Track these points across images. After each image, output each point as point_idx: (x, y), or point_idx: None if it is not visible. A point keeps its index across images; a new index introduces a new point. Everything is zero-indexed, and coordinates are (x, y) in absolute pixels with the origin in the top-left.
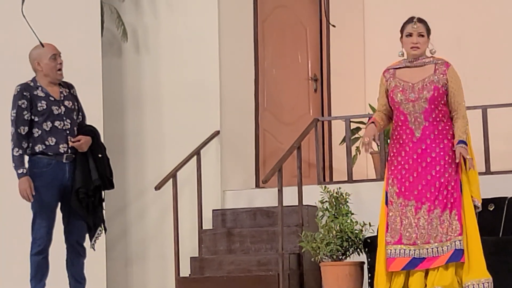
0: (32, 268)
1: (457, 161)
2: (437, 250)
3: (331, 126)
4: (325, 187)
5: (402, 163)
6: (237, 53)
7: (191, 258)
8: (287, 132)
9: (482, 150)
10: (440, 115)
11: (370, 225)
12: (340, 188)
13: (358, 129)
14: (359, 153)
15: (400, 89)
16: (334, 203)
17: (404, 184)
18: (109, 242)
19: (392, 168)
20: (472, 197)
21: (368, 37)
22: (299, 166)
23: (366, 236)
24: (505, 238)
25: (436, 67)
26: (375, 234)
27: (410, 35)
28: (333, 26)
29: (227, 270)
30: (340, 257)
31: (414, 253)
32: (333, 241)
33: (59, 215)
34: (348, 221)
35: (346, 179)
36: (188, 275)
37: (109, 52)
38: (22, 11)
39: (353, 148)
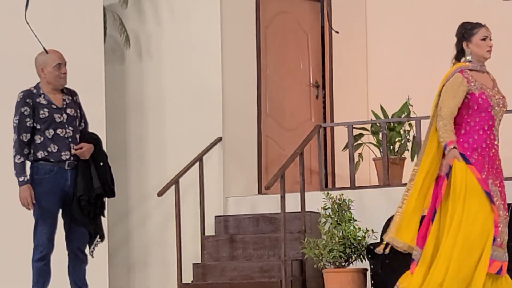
0: (34, 274)
1: None
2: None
3: (334, 132)
4: (328, 193)
5: (487, 166)
6: (240, 59)
7: (193, 264)
8: (289, 138)
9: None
10: None
11: (373, 232)
12: (342, 194)
13: (361, 135)
14: (362, 159)
15: (491, 93)
16: (337, 209)
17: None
18: (111, 248)
19: (485, 171)
20: None
21: (371, 43)
22: (301, 172)
23: (369, 243)
24: (510, 245)
25: (491, 77)
26: (378, 240)
27: (485, 38)
28: (337, 32)
29: (230, 277)
30: (343, 264)
31: (503, 257)
32: (336, 248)
33: (61, 221)
34: (351, 227)
35: (349, 186)
36: (190, 282)
37: (111, 58)
38: (25, 17)
39: (356, 154)
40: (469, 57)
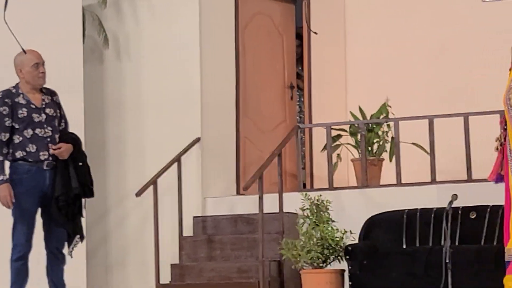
0: (12, 274)
1: None
2: None
3: (312, 133)
4: (306, 194)
5: None
6: (218, 60)
7: (171, 265)
8: (266, 140)
9: (463, 158)
10: None
11: (351, 233)
12: (321, 195)
13: (339, 136)
14: (340, 160)
15: None
16: (315, 210)
17: None
18: (89, 248)
19: None
20: None
21: (349, 44)
22: (280, 173)
23: (347, 244)
24: (487, 247)
25: None
26: (356, 241)
27: None
28: (315, 33)
29: (208, 277)
30: (321, 264)
31: None
32: (313, 249)
33: (39, 221)
34: (329, 228)
35: (327, 187)
36: (168, 282)
37: (90, 58)
38: (4, 17)
39: (334, 155)
40: None
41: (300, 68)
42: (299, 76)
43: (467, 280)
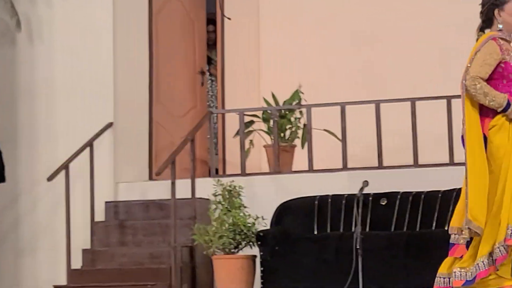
0: None
1: None
2: None
3: (225, 119)
4: (218, 180)
5: None
6: (132, 45)
7: (83, 250)
8: (178, 126)
9: (375, 145)
10: None
11: (263, 219)
12: (233, 181)
13: (252, 122)
14: (253, 146)
15: None
16: (227, 196)
17: None
18: (0, 233)
19: None
20: None
21: (263, 30)
22: (192, 159)
23: (258, 230)
24: (398, 233)
25: None
26: (268, 227)
27: None
28: (229, 18)
29: (119, 263)
30: (233, 250)
31: None
32: (225, 234)
33: None
34: (241, 214)
35: (240, 172)
36: (79, 267)
37: (1, 42)
38: None
39: (247, 141)
40: (500, 26)
41: (214, 53)
42: (212, 61)
43: (378, 266)
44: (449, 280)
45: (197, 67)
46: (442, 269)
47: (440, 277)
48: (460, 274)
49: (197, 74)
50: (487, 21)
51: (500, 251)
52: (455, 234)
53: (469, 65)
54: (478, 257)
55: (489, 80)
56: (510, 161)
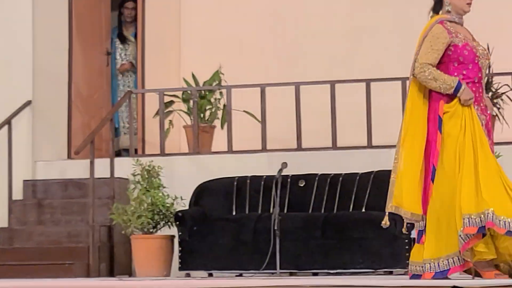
0: None
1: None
2: None
3: (145, 99)
4: (138, 160)
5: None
6: (52, 22)
7: (0, 229)
8: (89, 105)
9: (294, 126)
10: None
11: (181, 199)
12: (152, 161)
13: (172, 102)
14: (172, 127)
15: (474, 44)
16: (146, 176)
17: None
18: None
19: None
20: None
21: (184, 10)
22: (111, 138)
23: (177, 210)
24: (315, 214)
25: (468, 30)
26: (187, 208)
27: None
28: None
29: (37, 241)
30: (151, 230)
31: None
32: (144, 214)
33: None
34: (160, 194)
35: (159, 152)
36: None
37: None
38: None
39: (166, 122)
40: (448, 8)
41: (131, 31)
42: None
43: (295, 246)
44: (423, 268)
45: (103, 47)
46: (415, 257)
47: (413, 265)
48: (430, 267)
49: (104, 55)
50: (437, 4)
51: (461, 239)
52: (419, 222)
53: (417, 50)
54: (449, 252)
55: (440, 64)
56: (463, 151)
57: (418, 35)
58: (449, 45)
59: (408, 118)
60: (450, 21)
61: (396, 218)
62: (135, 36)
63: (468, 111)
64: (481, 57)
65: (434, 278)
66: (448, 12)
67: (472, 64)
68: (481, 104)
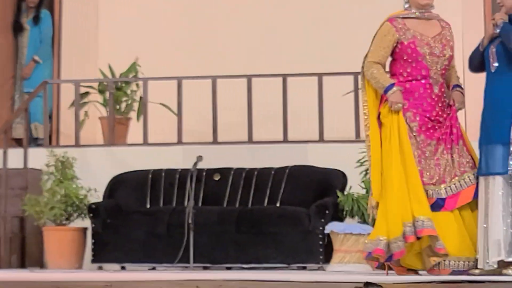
0: None
1: (451, 103)
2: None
3: (60, 89)
4: (52, 150)
5: (425, 117)
6: None
7: None
8: (5, 95)
9: (210, 120)
10: (447, 74)
11: (95, 191)
12: (66, 152)
13: (88, 93)
14: (88, 118)
15: (425, 41)
16: (60, 167)
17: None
18: None
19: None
20: None
21: (102, 1)
22: (26, 128)
23: (91, 202)
24: (229, 209)
25: (441, 24)
26: (101, 200)
27: None
28: None
29: None
30: (64, 222)
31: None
32: (57, 206)
33: None
34: (74, 186)
35: (74, 144)
36: None
37: None
38: None
39: (82, 113)
40: (406, 5)
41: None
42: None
43: (209, 241)
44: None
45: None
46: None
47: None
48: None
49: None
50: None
51: (398, 246)
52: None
53: (369, 48)
54: (391, 237)
55: (392, 60)
56: (390, 159)
57: (336, 30)
58: (397, 43)
59: (370, 114)
60: (408, 17)
61: (310, 214)
62: (34, 20)
63: (396, 117)
64: (426, 55)
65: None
66: (407, 8)
67: (416, 62)
68: (439, 104)
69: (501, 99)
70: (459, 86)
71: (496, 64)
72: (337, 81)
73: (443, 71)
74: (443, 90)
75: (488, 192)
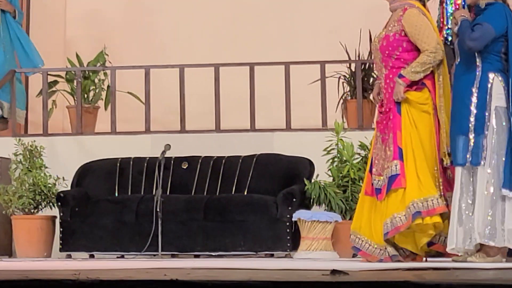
0: None
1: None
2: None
3: (28, 78)
4: (19, 139)
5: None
6: None
7: None
8: None
9: (178, 109)
10: (400, 62)
11: (64, 179)
12: (35, 141)
13: (56, 82)
14: (56, 107)
15: (382, 33)
16: (28, 156)
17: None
18: None
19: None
20: (447, 145)
21: None
22: None
23: (59, 190)
24: (197, 197)
25: (397, 13)
26: (69, 188)
27: None
28: None
29: None
30: (32, 210)
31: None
32: (25, 195)
33: None
34: (42, 174)
35: (42, 132)
36: None
37: None
38: None
39: (50, 102)
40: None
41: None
42: None
43: (177, 229)
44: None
45: None
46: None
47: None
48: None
49: None
50: None
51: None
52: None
53: None
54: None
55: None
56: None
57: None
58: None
59: None
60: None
61: (277, 202)
62: None
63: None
64: (373, 48)
65: None
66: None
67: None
68: (386, 95)
69: (461, 92)
70: (399, 75)
71: (458, 59)
72: (303, 70)
73: (385, 62)
74: (387, 81)
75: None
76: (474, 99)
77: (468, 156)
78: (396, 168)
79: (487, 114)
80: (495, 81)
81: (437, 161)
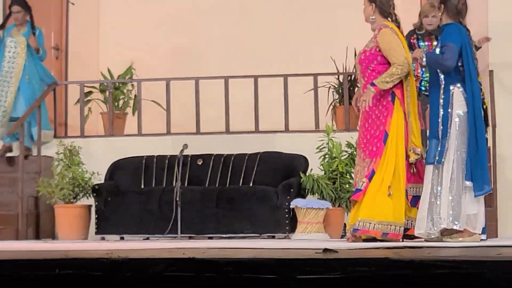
0: None
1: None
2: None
3: (68, 89)
4: (61, 141)
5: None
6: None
7: None
8: None
9: (194, 114)
10: (375, 74)
11: (98, 174)
12: (73, 142)
13: (91, 92)
14: (91, 113)
15: (364, 49)
16: (68, 154)
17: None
18: None
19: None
20: (413, 145)
21: (102, 13)
22: (39, 123)
23: (94, 183)
24: (210, 188)
25: (375, 33)
26: (102, 181)
27: None
28: (72, 4)
29: None
30: (72, 200)
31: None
32: (66, 187)
33: None
34: (80, 170)
35: (79, 135)
36: None
37: None
38: None
39: (86, 109)
40: (372, 18)
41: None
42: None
43: (193, 215)
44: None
45: (53, 43)
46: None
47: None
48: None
49: (52, 49)
50: None
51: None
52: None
53: None
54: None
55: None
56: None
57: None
58: None
59: None
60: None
61: (278, 192)
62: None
63: None
64: (356, 61)
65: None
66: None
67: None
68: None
69: (432, 103)
70: (371, 84)
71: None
72: (299, 81)
73: (363, 74)
74: (365, 90)
75: (426, 177)
76: (440, 109)
77: (436, 156)
78: (362, 185)
79: (450, 120)
80: (456, 91)
81: (403, 157)
